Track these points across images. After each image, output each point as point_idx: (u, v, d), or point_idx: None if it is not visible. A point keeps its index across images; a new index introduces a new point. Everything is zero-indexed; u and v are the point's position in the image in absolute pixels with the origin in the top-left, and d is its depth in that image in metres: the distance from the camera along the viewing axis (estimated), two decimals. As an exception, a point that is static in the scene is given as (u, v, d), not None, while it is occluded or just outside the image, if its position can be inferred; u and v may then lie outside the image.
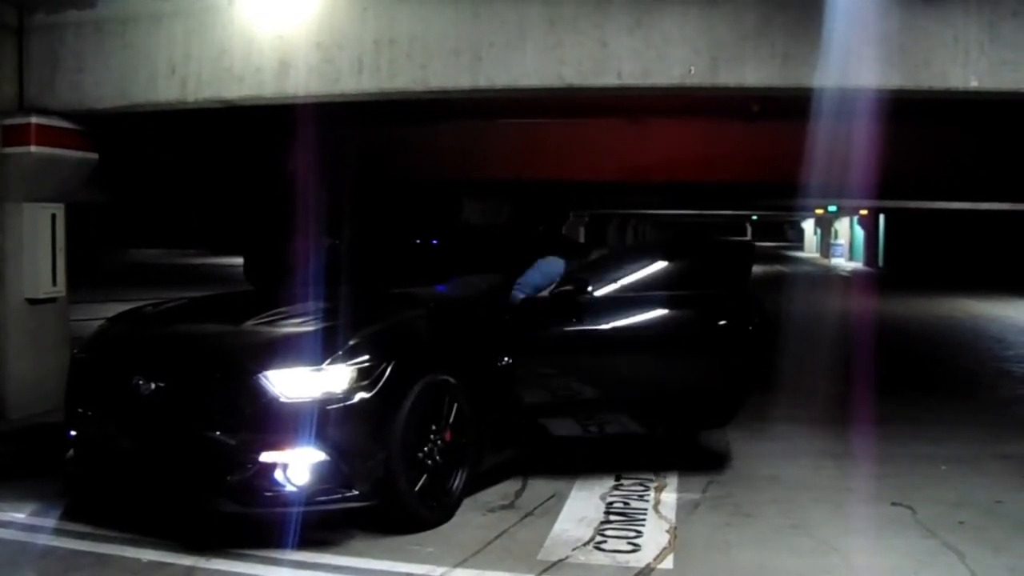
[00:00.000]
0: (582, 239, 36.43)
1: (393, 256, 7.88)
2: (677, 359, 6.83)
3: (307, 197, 10.33)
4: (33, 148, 8.25)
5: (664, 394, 6.81)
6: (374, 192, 11.27)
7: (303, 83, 7.47)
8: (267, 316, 6.09)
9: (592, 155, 14.62)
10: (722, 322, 6.82)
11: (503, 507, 6.20)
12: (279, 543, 5.29)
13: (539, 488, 6.58)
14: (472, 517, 5.96)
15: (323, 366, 5.35)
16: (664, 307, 6.88)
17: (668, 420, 7.05)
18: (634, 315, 6.82)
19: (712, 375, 6.84)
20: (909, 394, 10.32)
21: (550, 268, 6.96)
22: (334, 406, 5.31)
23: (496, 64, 7.26)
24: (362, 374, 5.41)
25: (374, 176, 12.19)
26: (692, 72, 6.97)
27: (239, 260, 11.00)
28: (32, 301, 8.41)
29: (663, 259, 7.22)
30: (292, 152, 10.95)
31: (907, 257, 36.62)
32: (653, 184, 18.78)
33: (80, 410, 5.96)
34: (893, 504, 6.28)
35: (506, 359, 6.42)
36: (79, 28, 8.20)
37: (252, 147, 12.57)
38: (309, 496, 5.28)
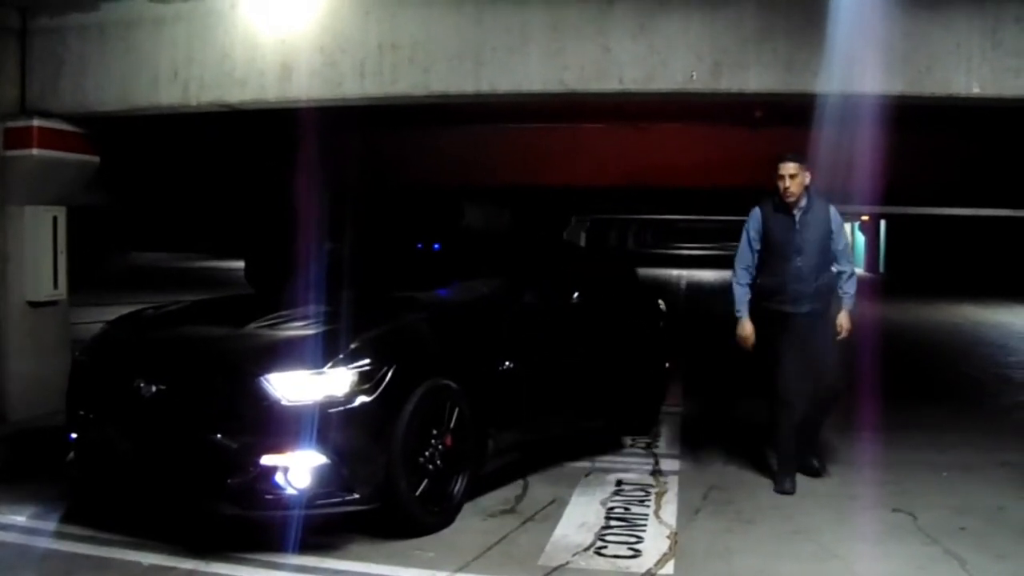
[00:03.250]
0: (584, 244, 36.45)
1: (395, 260, 7.87)
2: None
3: (309, 200, 10.33)
4: (35, 151, 8.24)
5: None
6: (376, 196, 11.29)
7: (305, 87, 7.46)
8: (269, 319, 6.08)
9: (594, 160, 14.59)
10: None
11: (504, 512, 6.20)
12: (280, 547, 5.28)
13: (540, 493, 6.59)
14: (473, 522, 5.96)
15: (324, 369, 5.35)
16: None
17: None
18: None
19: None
20: (911, 400, 10.30)
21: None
22: (335, 409, 5.30)
23: (498, 69, 7.25)
24: (363, 378, 5.41)
25: (376, 180, 12.20)
26: (694, 78, 6.96)
27: (241, 263, 11.01)
28: (33, 304, 8.40)
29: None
30: (294, 155, 10.94)
31: (908, 263, 36.55)
32: (655, 189, 18.76)
33: (81, 412, 5.95)
34: (895, 510, 6.27)
35: (507, 363, 6.43)
36: (82, 31, 8.20)
37: (254, 150, 12.58)
38: (310, 499, 5.27)
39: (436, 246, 8.15)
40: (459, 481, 5.96)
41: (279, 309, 6.30)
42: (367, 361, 5.47)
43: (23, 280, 8.39)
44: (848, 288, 6.88)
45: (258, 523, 5.43)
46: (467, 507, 6.08)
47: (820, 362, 6.80)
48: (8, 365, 8.41)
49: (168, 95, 7.86)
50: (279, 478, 5.24)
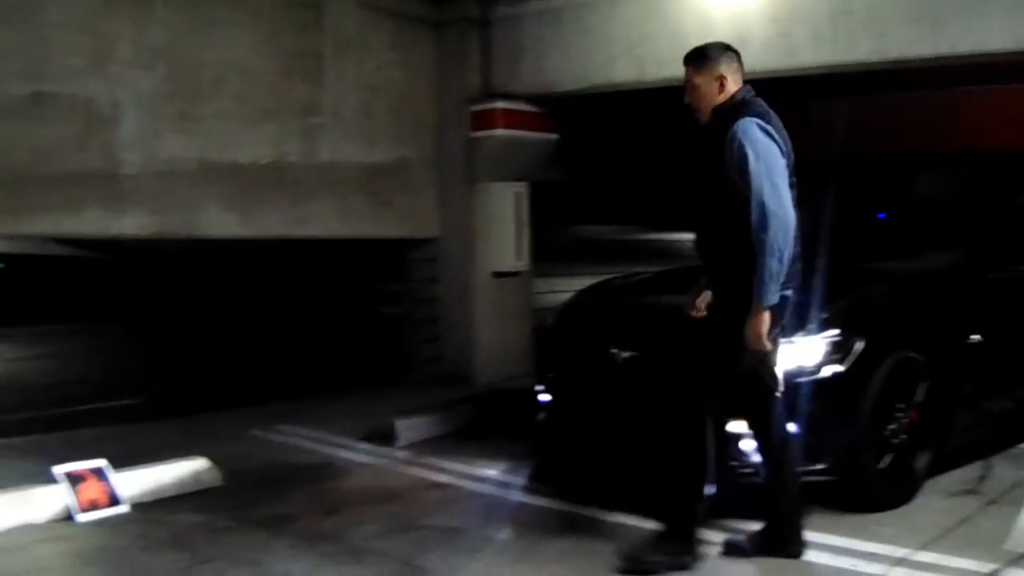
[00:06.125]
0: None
1: (855, 230, 7.66)
2: None
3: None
4: (499, 131, 8.82)
5: None
6: (830, 165, 11.02)
7: (760, 58, 7.44)
8: (736, 288, 6.15)
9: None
10: None
11: (964, 492, 5.93)
12: (743, 513, 5.32)
13: (1003, 474, 6.23)
14: (933, 500, 5.75)
15: (794, 339, 5.28)
16: None
17: None
18: None
19: None
20: None
21: None
22: (804, 379, 5.27)
23: (958, 30, 6.96)
24: (833, 348, 5.35)
25: (829, 149, 11.93)
26: None
27: (686, 236, 11.15)
28: (497, 274, 8.97)
29: None
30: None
31: None
32: None
33: (551, 376, 6.29)
34: None
35: (973, 337, 6.18)
36: (538, 17, 8.67)
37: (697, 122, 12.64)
38: (775, 467, 5.29)
39: (882, 216, 7.93)
40: (922, 458, 5.79)
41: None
42: (837, 332, 5.40)
43: (489, 252, 8.99)
44: (760, 259, 4.47)
45: (722, 488, 5.50)
46: (927, 485, 5.88)
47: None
48: (475, 333, 9.06)
49: (623, 72, 8.14)
50: (744, 445, 5.26)
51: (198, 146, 8.00)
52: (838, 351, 5.38)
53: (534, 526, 5.44)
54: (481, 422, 7.92)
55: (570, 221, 16.79)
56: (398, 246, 9.70)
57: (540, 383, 6.40)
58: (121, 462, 6.12)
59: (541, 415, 6.35)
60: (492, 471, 6.62)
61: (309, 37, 8.67)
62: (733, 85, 4.80)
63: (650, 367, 5.58)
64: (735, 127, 4.56)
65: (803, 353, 5.33)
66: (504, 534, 5.32)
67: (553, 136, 9.15)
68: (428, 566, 4.93)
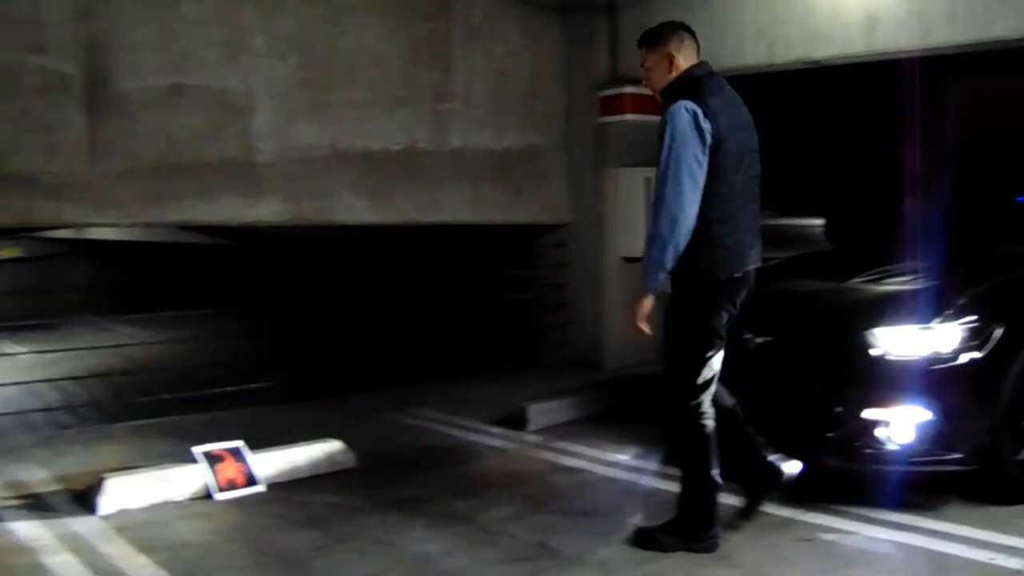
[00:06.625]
0: None
1: (996, 214, 7.46)
2: None
3: (891, 155, 10.08)
4: (628, 116, 8.82)
5: None
6: (968, 148, 10.73)
7: (891, 38, 7.34)
8: (871, 274, 6.08)
9: None
10: None
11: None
12: (875, 502, 5.27)
13: None
14: (1076, 493, 5.58)
15: (932, 324, 5.22)
16: None
17: None
18: None
19: None
20: None
21: None
22: (941, 366, 5.17)
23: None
24: (972, 334, 5.22)
25: (965, 130, 11.63)
26: None
27: (810, 221, 11.02)
28: (628, 260, 8.96)
29: None
30: (875, 109, 10.73)
31: None
32: None
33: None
34: None
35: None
36: (665, 1, 8.57)
37: (830, 106, 12.49)
38: (910, 456, 5.20)
39: (1021, 199, 7.69)
40: (1062, 450, 5.61)
41: (879, 264, 6.25)
42: (975, 317, 5.26)
43: (619, 238, 9.00)
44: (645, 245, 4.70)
45: (855, 476, 5.44)
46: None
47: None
48: (605, 318, 9.09)
49: (753, 55, 8.04)
50: (880, 432, 5.21)
51: (330, 134, 8.16)
52: (976, 337, 5.24)
53: (665, 511, 5.40)
54: (612, 407, 7.93)
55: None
56: (527, 232, 9.76)
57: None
58: (255, 443, 6.31)
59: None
60: (623, 456, 6.65)
61: (438, 24, 8.77)
62: (684, 62, 4.77)
63: (782, 352, 5.53)
64: (668, 111, 4.58)
65: (940, 339, 5.23)
66: (636, 519, 5.29)
67: (682, 121, 9.09)
68: (560, 549, 4.97)
